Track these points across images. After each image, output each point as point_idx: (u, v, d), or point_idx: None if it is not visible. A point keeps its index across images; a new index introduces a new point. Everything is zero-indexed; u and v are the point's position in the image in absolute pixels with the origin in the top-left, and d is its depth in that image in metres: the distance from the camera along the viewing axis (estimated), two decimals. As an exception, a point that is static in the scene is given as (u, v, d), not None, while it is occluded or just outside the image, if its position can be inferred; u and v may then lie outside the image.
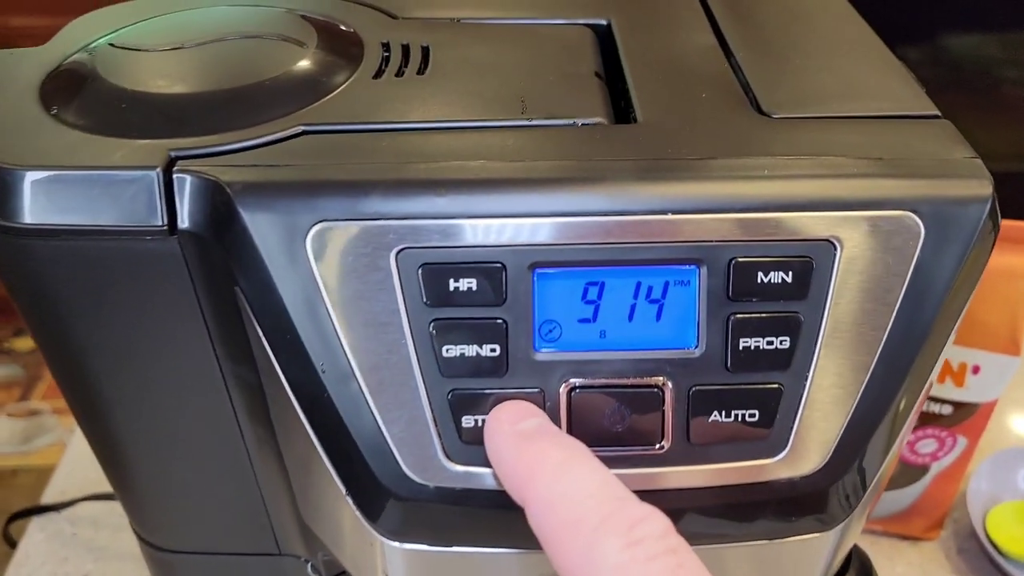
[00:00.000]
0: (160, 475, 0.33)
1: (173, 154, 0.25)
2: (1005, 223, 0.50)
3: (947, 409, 0.54)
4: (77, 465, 0.68)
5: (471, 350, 0.25)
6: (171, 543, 0.36)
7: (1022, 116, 2.28)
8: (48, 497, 0.65)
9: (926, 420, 0.55)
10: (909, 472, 0.58)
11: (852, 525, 0.28)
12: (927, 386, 0.27)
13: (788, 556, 0.28)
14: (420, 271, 0.24)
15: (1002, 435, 0.69)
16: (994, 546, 0.59)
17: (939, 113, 0.28)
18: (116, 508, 0.63)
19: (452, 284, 0.24)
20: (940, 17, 2.05)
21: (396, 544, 0.27)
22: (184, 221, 0.25)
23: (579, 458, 0.22)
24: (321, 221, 0.24)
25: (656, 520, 0.21)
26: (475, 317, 0.25)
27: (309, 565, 0.35)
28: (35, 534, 0.63)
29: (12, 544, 0.65)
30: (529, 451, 0.23)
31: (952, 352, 0.53)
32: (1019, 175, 1.86)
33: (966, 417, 0.54)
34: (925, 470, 0.58)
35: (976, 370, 0.53)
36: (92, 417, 0.31)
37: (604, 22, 0.33)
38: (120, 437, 0.31)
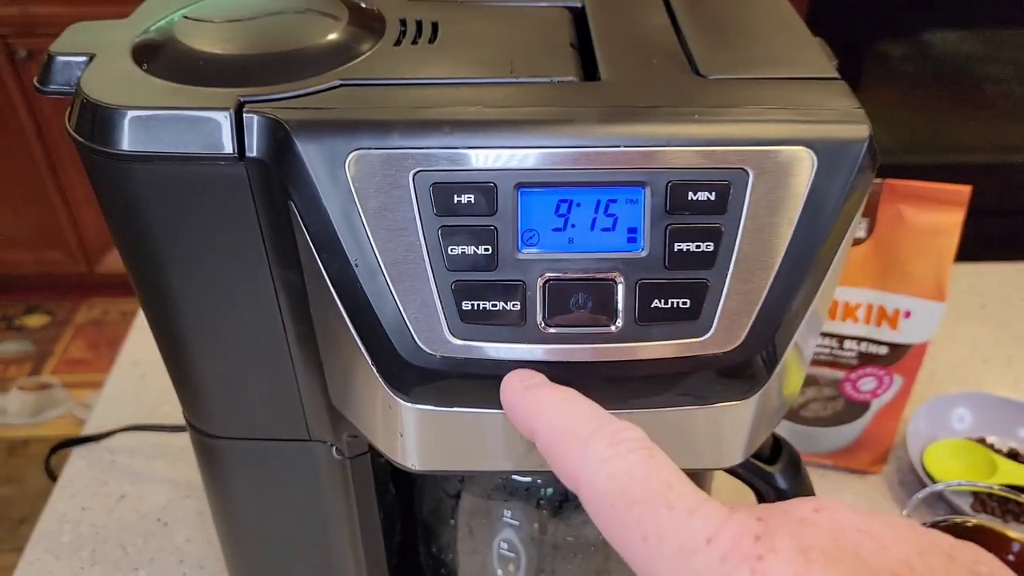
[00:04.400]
0: (214, 368, 0.40)
1: (241, 99, 0.33)
2: (931, 186, 0.58)
3: (884, 350, 0.62)
4: (112, 404, 0.75)
5: (470, 250, 0.32)
6: (218, 430, 0.43)
7: (1001, 111, 2.34)
8: (88, 431, 0.73)
9: (866, 360, 0.63)
10: (852, 408, 0.66)
11: (770, 397, 0.36)
12: (825, 283, 0.34)
13: (717, 420, 0.36)
14: (431, 188, 0.32)
15: (935, 385, 0.77)
16: (930, 478, 0.66)
17: (838, 76, 0.36)
18: (148, 438, 0.71)
19: (456, 198, 0.32)
20: (924, 16, 2.12)
21: (411, 405, 0.35)
22: (251, 150, 0.33)
23: (573, 396, 0.29)
24: (357, 149, 0.32)
25: (633, 429, 0.27)
26: (473, 224, 0.32)
27: (334, 448, 0.43)
28: (77, 462, 0.71)
29: (53, 478, 0.73)
30: (534, 395, 0.30)
31: (887, 299, 0.60)
32: (999, 166, 1.93)
33: (900, 357, 0.62)
34: (867, 407, 0.66)
35: (908, 315, 0.61)
36: (163, 317, 0.39)
37: (579, 4, 0.41)
38: (184, 334, 0.39)
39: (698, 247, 0.33)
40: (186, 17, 0.38)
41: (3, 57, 1.81)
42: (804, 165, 0.32)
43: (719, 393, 0.35)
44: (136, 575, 0.62)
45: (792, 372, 0.37)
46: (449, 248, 0.32)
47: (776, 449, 0.45)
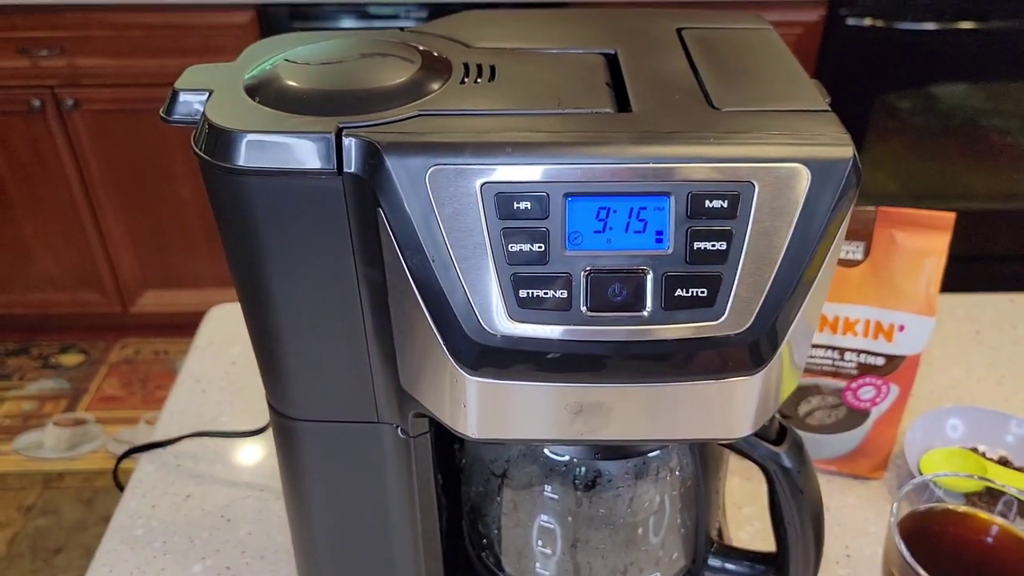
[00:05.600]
0: (300, 356, 0.47)
1: (340, 125, 0.40)
2: (920, 213, 0.66)
3: (880, 361, 0.69)
4: (175, 415, 0.82)
5: (526, 247, 0.39)
6: (298, 413, 0.50)
7: (1007, 161, 2.42)
8: (154, 439, 0.80)
9: (865, 370, 0.70)
10: (854, 416, 0.72)
11: (772, 377, 0.43)
12: (819, 279, 0.41)
13: (730, 393, 0.42)
14: (495, 197, 0.39)
15: (932, 403, 0.84)
16: (926, 483, 0.72)
17: (829, 109, 0.43)
18: (209, 445, 0.78)
19: (515, 205, 0.39)
20: (932, 70, 2.21)
21: (474, 378, 0.41)
22: (348, 166, 0.40)
23: None
24: (435, 165, 0.39)
25: None
26: (528, 227, 0.39)
27: (399, 429, 0.49)
28: (146, 466, 0.77)
29: (120, 487, 0.79)
30: None
31: (882, 315, 0.67)
32: (1004, 212, 2.00)
33: (896, 367, 0.69)
34: (867, 414, 0.72)
35: (902, 328, 0.67)
36: (259, 309, 0.46)
37: (612, 51, 0.49)
38: (277, 324, 0.46)
39: (713, 246, 0.40)
40: (287, 60, 0.45)
41: (51, 106, 1.92)
42: (800, 179, 0.39)
43: (731, 369, 0.41)
44: (203, 563, 0.68)
45: (788, 366, 0.44)
46: (509, 246, 0.39)
47: (781, 433, 0.51)
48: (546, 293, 0.40)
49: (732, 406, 0.43)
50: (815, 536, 0.53)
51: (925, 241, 0.65)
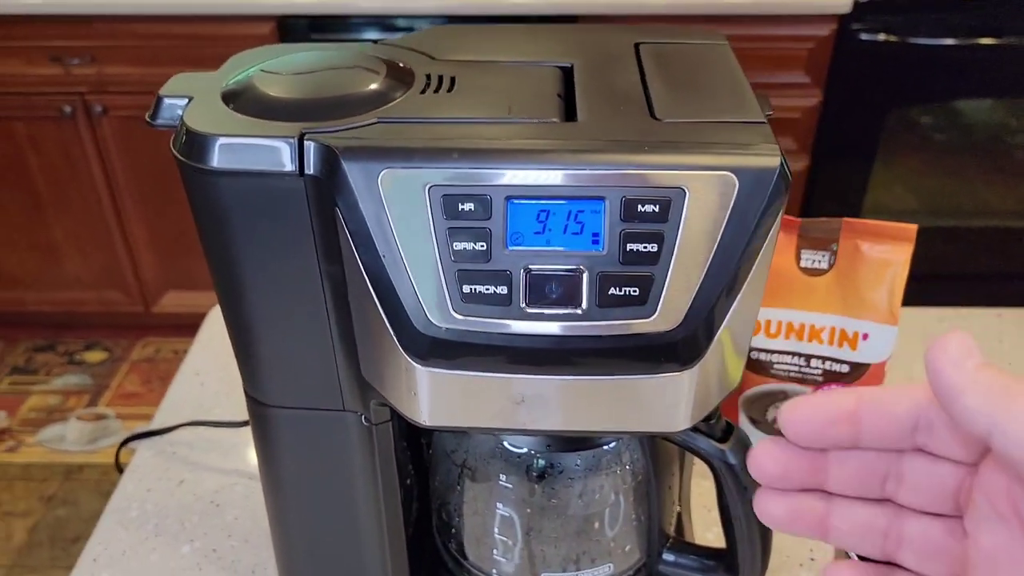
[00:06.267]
0: (271, 346, 0.51)
1: (303, 131, 0.44)
2: (884, 224, 0.68)
3: (845, 368, 0.71)
4: (174, 405, 0.86)
5: (470, 245, 0.42)
6: (271, 399, 0.53)
7: (1024, 177, 2.37)
8: (152, 427, 0.83)
9: (830, 377, 0.72)
10: (821, 422, 0.74)
11: (708, 371, 0.45)
12: (749, 281, 0.44)
13: (664, 388, 0.45)
14: (442, 198, 0.42)
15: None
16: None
17: (764, 121, 0.46)
18: (204, 434, 0.81)
19: (460, 206, 0.42)
20: (947, 85, 2.20)
21: (423, 368, 0.44)
22: (309, 169, 0.43)
23: None
24: (387, 168, 0.42)
25: None
26: (473, 226, 0.42)
27: (363, 417, 0.53)
28: (144, 452, 0.81)
29: (120, 470, 0.83)
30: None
31: (847, 323, 0.69)
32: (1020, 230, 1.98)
33: (861, 375, 0.71)
34: (834, 420, 0.73)
35: (865, 337, 0.69)
36: (233, 302, 0.49)
37: (568, 65, 0.52)
38: (250, 315, 0.49)
39: (645, 248, 0.42)
40: (262, 71, 0.49)
41: (81, 112, 1.98)
42: (729, 186, 0.42)
43: (665, 364, 0.44)
44: (192, 545, 0.72)
45: (729, 355, 0.46)
46: (454, 244, 0.42)
47: (728, 431, 0.54)
48: (488, 289, 0.43)
49: (668, 400, 0.46)
50: (761, 533, 0.55)
51: (889, 252, 0.67)
